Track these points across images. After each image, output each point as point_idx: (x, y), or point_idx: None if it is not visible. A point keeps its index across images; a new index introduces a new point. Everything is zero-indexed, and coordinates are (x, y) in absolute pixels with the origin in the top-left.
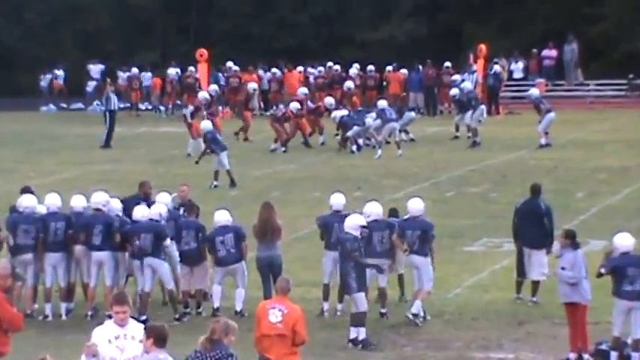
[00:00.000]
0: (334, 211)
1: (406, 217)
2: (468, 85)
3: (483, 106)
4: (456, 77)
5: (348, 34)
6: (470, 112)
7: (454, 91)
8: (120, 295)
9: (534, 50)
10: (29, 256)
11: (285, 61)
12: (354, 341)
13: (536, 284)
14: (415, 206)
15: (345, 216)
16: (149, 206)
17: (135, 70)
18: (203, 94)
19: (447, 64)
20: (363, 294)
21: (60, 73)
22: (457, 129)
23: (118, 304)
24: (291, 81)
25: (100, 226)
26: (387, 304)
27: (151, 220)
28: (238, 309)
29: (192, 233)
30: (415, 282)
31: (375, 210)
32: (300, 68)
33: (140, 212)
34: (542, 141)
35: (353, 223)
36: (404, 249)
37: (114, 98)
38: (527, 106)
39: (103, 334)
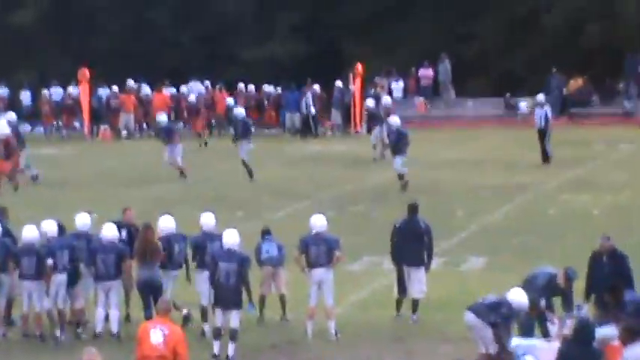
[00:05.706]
0: (204, 232)
1: (312, 233)
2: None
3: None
4: None
5: (230, 53)
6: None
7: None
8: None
9: (413, 69)
10: None
11: (165, 80)
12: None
13: (416, 302)
14: (318, 222)
15: (218, 235)
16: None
17: (4, 89)
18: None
19: (339, 83)
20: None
21: None
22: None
23: None
24: (156, 102)
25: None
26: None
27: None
28: (114, 331)
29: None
30: (313, 298)
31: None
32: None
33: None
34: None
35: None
36: (302, 267)
37: None
38: (411, 126)
39: None
